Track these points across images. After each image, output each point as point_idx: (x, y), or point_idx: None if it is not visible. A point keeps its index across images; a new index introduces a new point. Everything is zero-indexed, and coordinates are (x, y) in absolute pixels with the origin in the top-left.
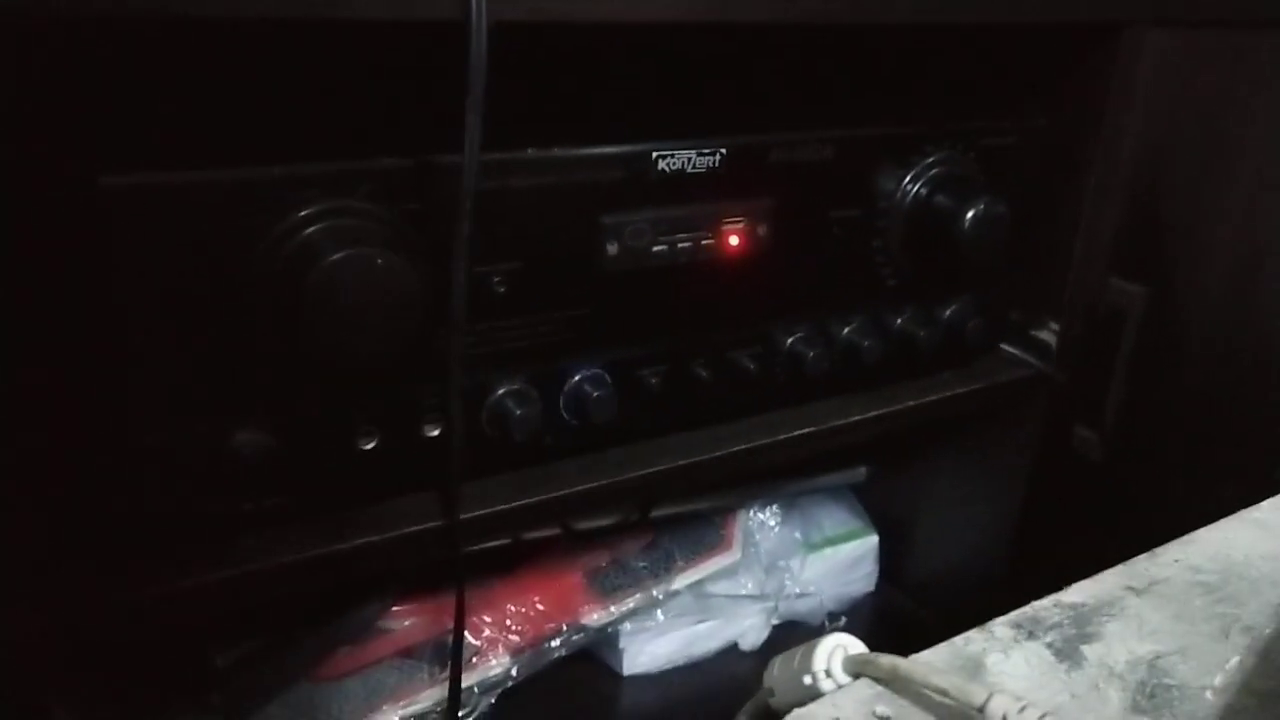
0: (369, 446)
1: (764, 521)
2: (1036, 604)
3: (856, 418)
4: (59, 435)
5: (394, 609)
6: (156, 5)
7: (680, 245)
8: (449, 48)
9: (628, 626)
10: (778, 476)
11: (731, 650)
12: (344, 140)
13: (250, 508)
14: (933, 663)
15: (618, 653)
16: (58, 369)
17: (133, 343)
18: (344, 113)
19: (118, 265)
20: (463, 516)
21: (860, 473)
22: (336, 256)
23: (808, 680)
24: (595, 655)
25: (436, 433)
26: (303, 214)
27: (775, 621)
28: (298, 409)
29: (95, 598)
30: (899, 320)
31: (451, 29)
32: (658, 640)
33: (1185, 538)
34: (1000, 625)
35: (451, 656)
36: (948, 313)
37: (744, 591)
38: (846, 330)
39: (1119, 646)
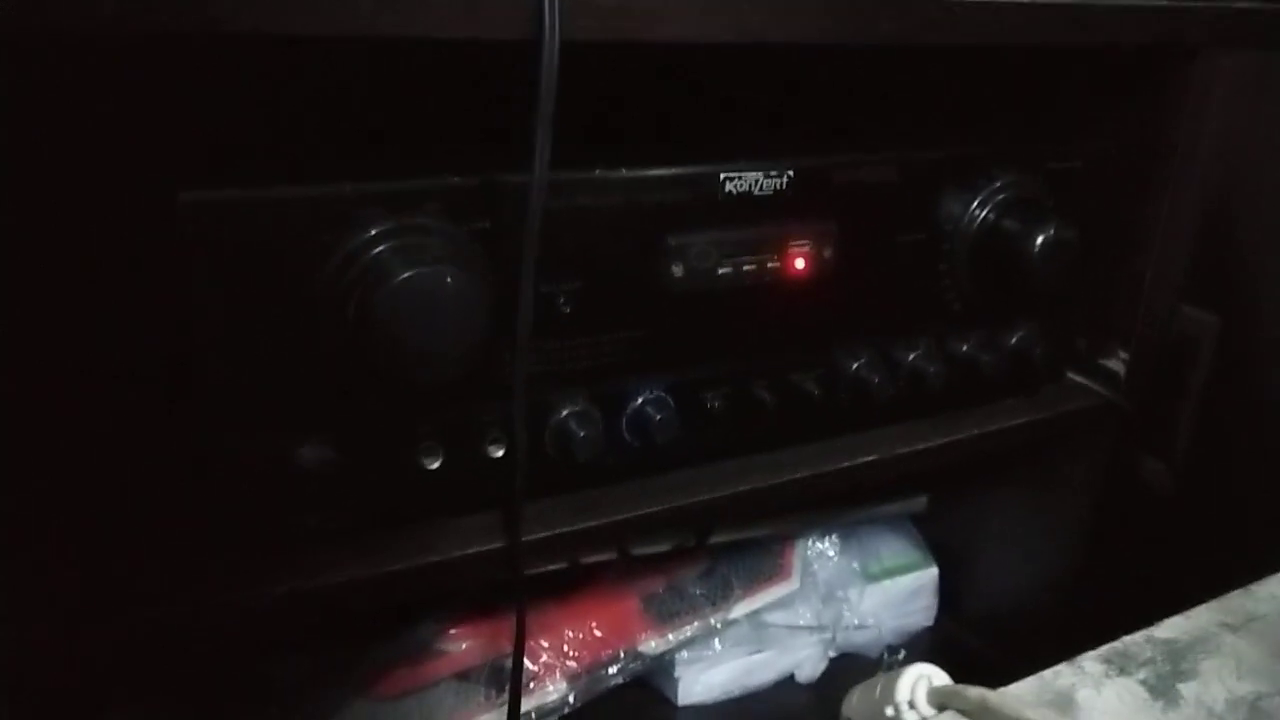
0: (433, 465)
1: (822, 551)
2: (1127, 639)
3: (920, 446)
4: (124, 448)
5: (452, 630)
6: (243, 22)
7: (745, 267)
8: (518, 67)
9: (684, 655)
10: (837, 504)
11: (788, 682)
12: (414, 158)
13: (313, 523)
14: (1022, 695)
15: (673, 681)
16: (127, 380)
17: (203, 355)
18: (414, 131)
19: (192, 279)
20: (524, 538)
21: (920, 502)
22: (405, 274)
23: (889, 712)
24: (650, 684)
25: (500, 453)
26: (372, 231)
27: (832, 653)
28: (363, 425)
29: (156, 611)
30: (964, 346)
31: (522, 47)
32: (713, 670)
33: None
34: (1089, 660)
35: (511, 680)
36: (1014, 339)
37: (801, 622)
38: (911, 356)
39: (1216, 685)
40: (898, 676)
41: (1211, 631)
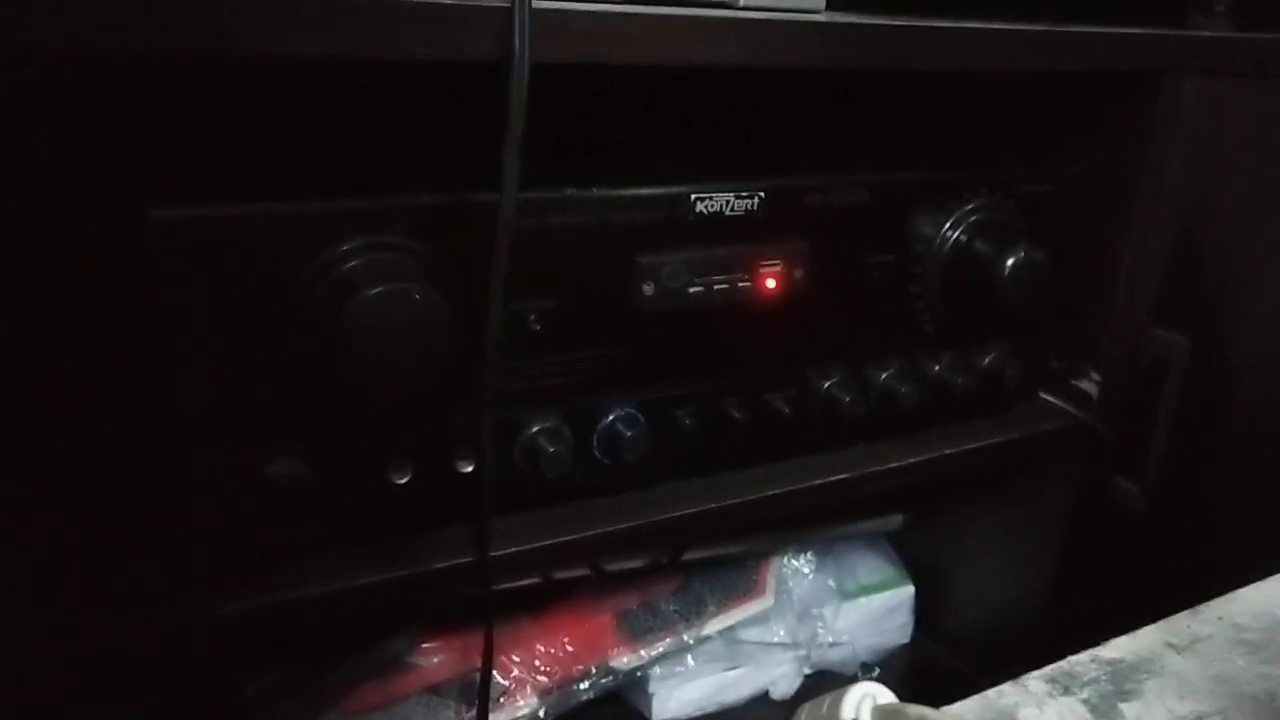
0: (402, 480)
1: (798, 568)
2: (1073, 658)
3: (892, 465)
4: (96, 463)
5: (423, 645)
6: (214, 44)
7: (716, 287)
8: (490, 87)
9: (657, 671)
10: (812, 522)
11: (762, 699)
12: (385, 176)
13: (284, 537)
14: (964, 715)
15: (647, 697)
16: (99, 396)
17: (174, 371)
18: (385, 149)
19: (164, 295)
20: (493, 553)
21: (896, 520)
22: (374, 290)
23: None
24: (624, 699)
25: (469, 468)
26: (342, 248)
27: (807, 671)
28: (333, 440)
29: (126, 626)
30: (936, 366)
31: (493, 68)
32: (687, 685)
33: (1228, 595)
34: (1034, 679)
35: (479, 696)
36: (986, 360)
37: (776, 639)
38: (883, 375)
39: (1158, 706)
40: (843, 694)
41: (1156, 652)
